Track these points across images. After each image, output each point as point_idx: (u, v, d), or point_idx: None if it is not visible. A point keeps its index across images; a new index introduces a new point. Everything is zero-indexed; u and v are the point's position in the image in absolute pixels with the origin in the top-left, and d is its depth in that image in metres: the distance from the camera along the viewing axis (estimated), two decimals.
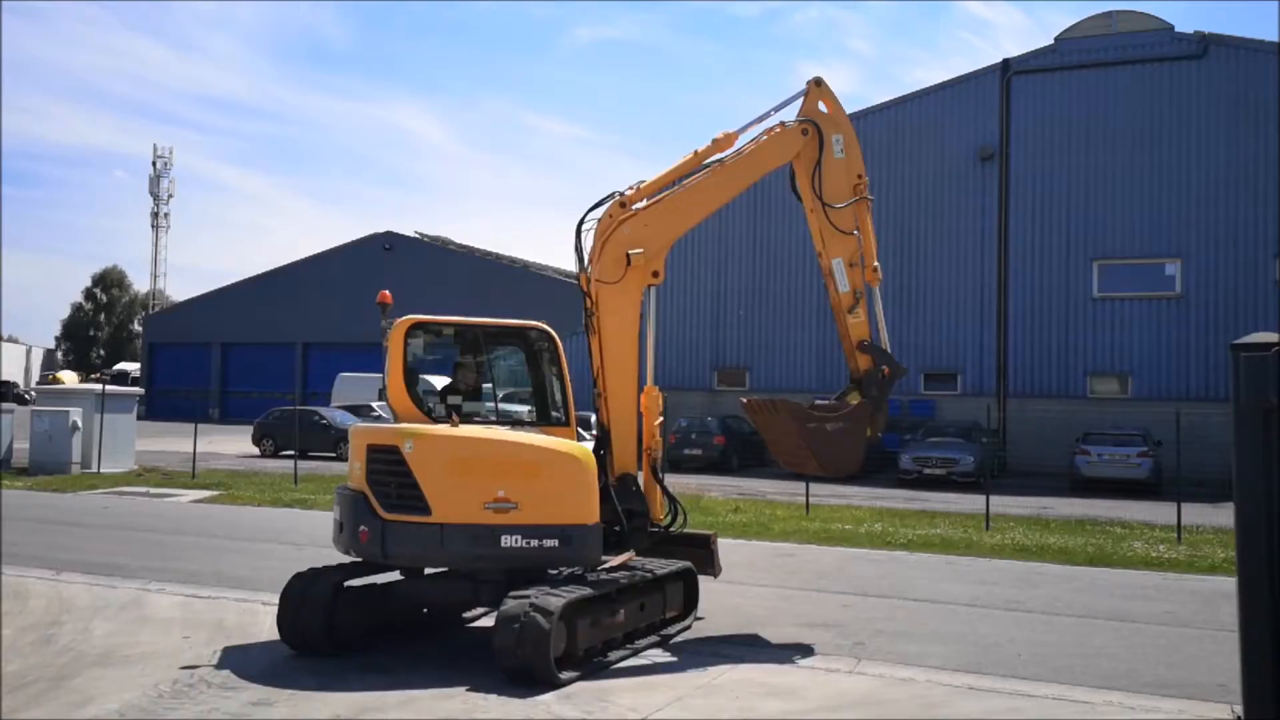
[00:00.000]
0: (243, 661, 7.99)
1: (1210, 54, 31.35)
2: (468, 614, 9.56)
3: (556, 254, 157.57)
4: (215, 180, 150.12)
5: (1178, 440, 17.25)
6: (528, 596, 7.46)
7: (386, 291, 9.42)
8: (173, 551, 13.49)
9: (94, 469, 23.91)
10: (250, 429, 33.95)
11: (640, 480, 9.18)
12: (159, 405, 56.09)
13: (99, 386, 26.46)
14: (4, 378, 74.77)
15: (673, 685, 7.64)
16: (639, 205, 9.18)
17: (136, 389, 36.19)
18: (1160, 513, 19.16)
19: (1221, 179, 30.88)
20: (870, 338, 9.84)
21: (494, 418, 8.88)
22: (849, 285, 9.74)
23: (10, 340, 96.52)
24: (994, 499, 18.41)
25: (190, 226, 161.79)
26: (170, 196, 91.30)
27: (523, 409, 9.31)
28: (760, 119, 9.81)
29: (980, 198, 33.69)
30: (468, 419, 8.64)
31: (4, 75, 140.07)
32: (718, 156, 9.59)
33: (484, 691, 7.25)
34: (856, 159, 9.86)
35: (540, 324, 9.22)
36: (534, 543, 7.92)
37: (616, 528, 8.75)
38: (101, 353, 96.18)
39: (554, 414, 9.02)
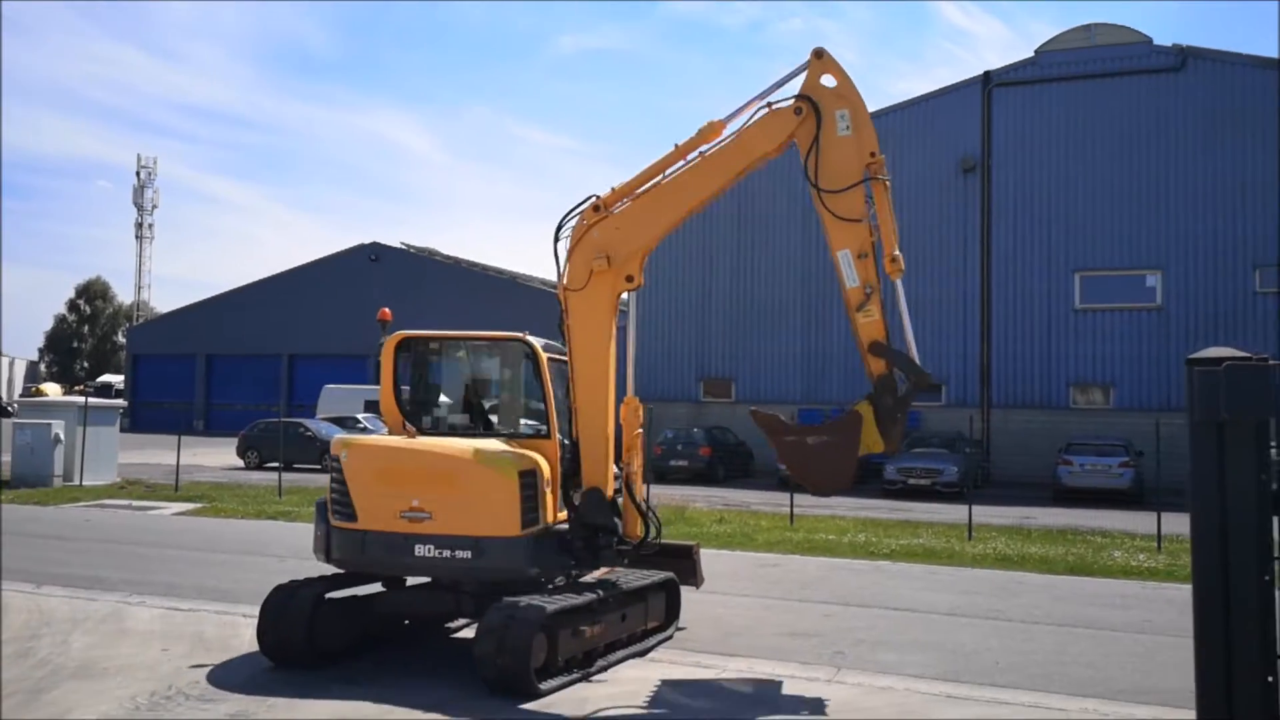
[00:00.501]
0: (222, 674, 7.98)
1: (1188, 66, 31.71)
2: (451, 624, 9.57)
3: (544, 265, 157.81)
4: (200, 190, 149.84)
5: (1158, 450, 17.39)
6: (508, 607, 7.48)
7: (386, 309, 9.51)
8: (154, 564, 13.45)
9: (76, 482, 23.80)
10: (235, 441, 33.84)
11: (609, 494, 8.66)
12: (143, 417, 55.86)
13: (82, 399, 26.37)
14: None
15: (653, 695, 7.68)
16: (617, 208, 8.65)
17: (120, 401, 36.05)
18: (1141, 522, 19.29)
19: (1200, 190, 31.20)
20: (886, 338, 8.60)
21: (480, 429, 8.99)
22: (858, 279, 8.52)
23: None
24: (977, 509, 18.51)
25: (175, 237, 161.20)
26: (154, 207, 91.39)
27: (532, 422, 9.17)
28: (755, 100, 8.60)
29: (963, 209, 33.94)
30: (452, 431, 8.75)
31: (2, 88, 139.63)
32: (703, 149, 8.58)
33: (465, 702, 7.27)
34: (868, 137, 8.52)
35: (521, 335, 9.19)
36: (446, 553, 7.96)
37: (580, 542, 8.49)
38: (85, 365, 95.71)
39: (537, 425, 8.96)
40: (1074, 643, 9.80)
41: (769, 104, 8.56)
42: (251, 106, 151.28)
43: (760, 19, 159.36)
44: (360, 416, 34.32)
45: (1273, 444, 3.68)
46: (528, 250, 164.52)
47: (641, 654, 8.81)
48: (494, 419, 9.44)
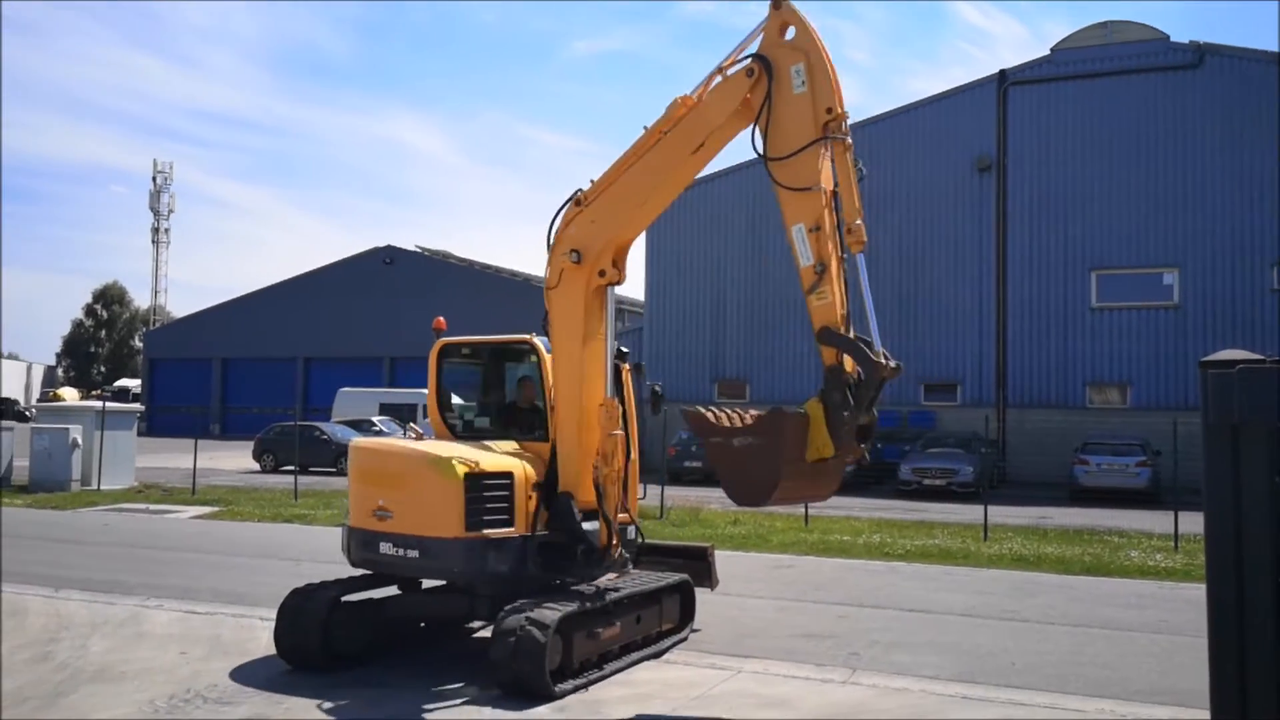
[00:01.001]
0: (239, 677, 8.03)
1: (1206, 63, 31.51)
2: (472, 624, 9.56)
3: None
4: (215, 195, 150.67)
5: (1175, 450, 17.30)
6: (523, 610, 7.49)
7: (441, 319, 9.55)
8: (171, 568, 13.54)
9: (94, 486, 23.95)
10: (251, 444, 34.01)
11: (581, 500, 8.34)
12: (159, 421, 56.20)
13: (99, 403, 26.54)
14: (4, 395, 74.88)
15: (667, 697, 7.69)
16: (596, 201, 8.31)
17: (137, 405, 36.27)
18: (1158, 522, 19.18)
19: (1218, 188, 31.01)
20: (840, 324, 7.29)
21: (500, 431, 9.16)
22: (811, 257, 7.39)
23: (10, 357, 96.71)
24: (993, 509, 18.44)
25: (191, 241, 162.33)
26: (170, 212, 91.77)
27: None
28: (720, 68, 7.92)
29: (978, 208, 33.83)
30: (477, 434, 9.10)
31: (2, 91, 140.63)
32: (666, 130, 8.04)
33: (479, 704, 7.30)
34: (825, 91, 7.46)
35: (526, 336, 9.21)
36: (400, 552, 8.12)
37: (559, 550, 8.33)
38: (102, 369, 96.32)
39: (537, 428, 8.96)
40: (1090, 643, 9.76)
41: (720, 68, 7.91)
42: (266, 111, 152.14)
43: None
44: (375, 419, 34.41)
45: None
46: (542, 252, 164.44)
47: (656, 656, 8.82)
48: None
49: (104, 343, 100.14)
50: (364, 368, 51.84)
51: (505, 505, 8.11)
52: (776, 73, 7.58)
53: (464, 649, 8.97)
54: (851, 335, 7.21)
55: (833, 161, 7.43)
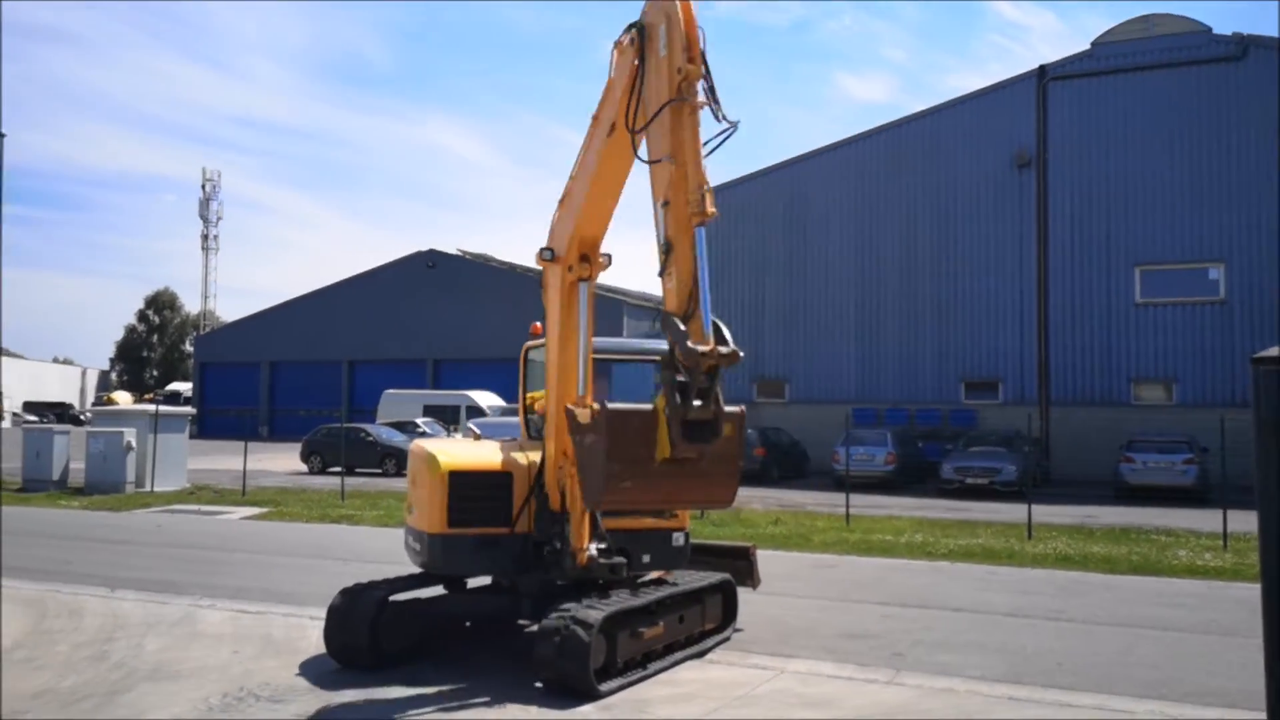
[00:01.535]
0: (290, 675, 8.18)
1: (1249, 55, 31.02)
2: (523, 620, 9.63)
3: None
4: (261, 201, 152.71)
5: (1223, 447, 17.06)
6: (568, 609, 7.57)
7: (539, 324, 9.71)
8: (223, 568, 13.79)
9: (147, 488, 24.41)
10: (298, 446, 34.45)
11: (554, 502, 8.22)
12: (210, 424, 57.09)
13: (152, 407, 27.02)
14: (60, 399, 76.37)
15: (710, 697, 7.73)
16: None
17: (188, 409, 36.89)
18: (1206, 520, 18.92)
19: (1263, 181, 30.49)
20: (681, 309, 6.68)
21: None
22: (663, 236, 6.89)
23: (65, 362, 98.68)
24: (1037, 508, 18.28)
25: (239, 247, 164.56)
26: (219, 219, 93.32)
27: None
28: (617, 42, 7.69)
29: (1018, 205, 33.53)
30: (537, 434, 9.16)
31: (53, 103, 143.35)
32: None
33: (524, 703, 7.39)
34: (677, 48, 6.87)
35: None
36: (415, 546, 8.65)
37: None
38: (154, 373, 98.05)
39: None
40: (1139, 644, 9.68)
41: (617, 42, 7.63)
42: (311, 119, 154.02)
43: (806, 18, 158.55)
44: (419, 421, 34.72)
45: None
46: None
47: (699, 655, 8.86)
48: None
49: (156, 347, 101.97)
50: (408, 370, 52.36)
51: (497, 504, 8.29)
52: (648, 38, 7.24)
53: (510, 648, 9.07)
54: (700, 317, 6.62)
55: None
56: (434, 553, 8.30)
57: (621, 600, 7.94)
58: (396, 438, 32.23)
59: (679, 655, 8.65)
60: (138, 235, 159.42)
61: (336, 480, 24.89)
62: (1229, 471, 17.26)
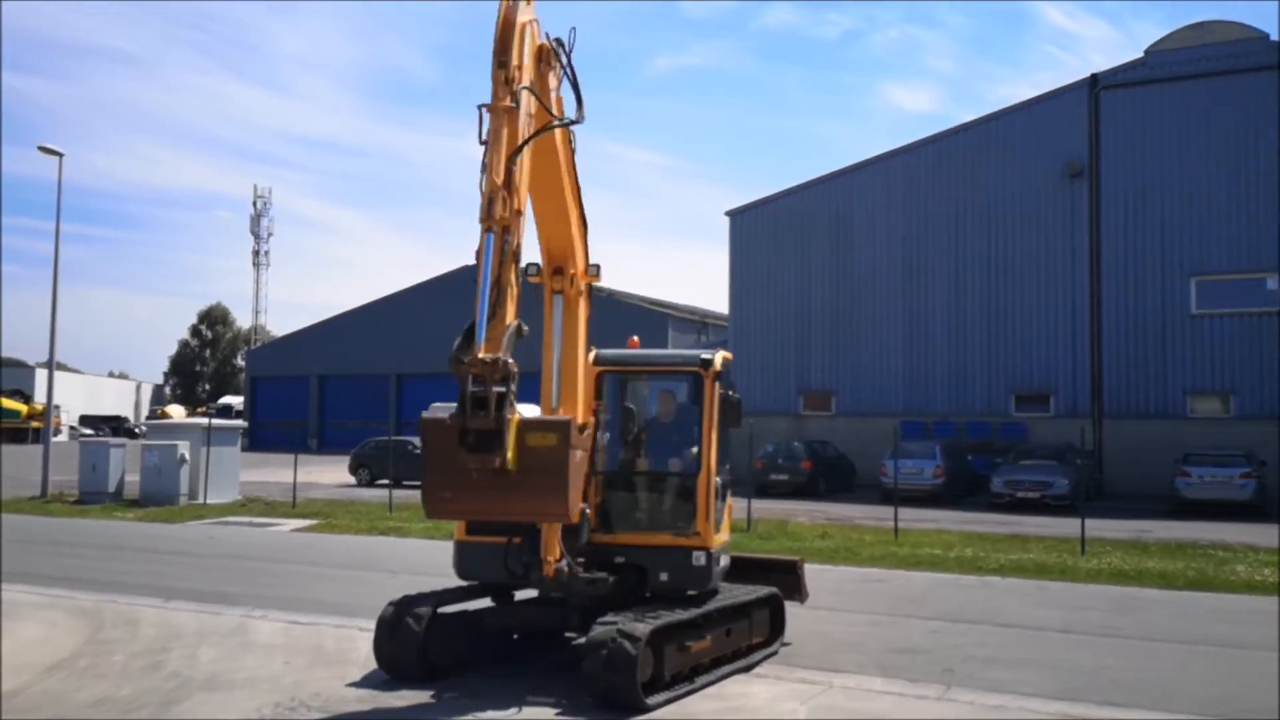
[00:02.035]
0: (341, 686, 8.27)
1: None
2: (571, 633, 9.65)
3: (638, 281, 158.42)
4: (311, 217, 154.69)
5: None
6: (615, 622, 7.58)
7: (635, 338, 9.80)
8: (274, 579, 13.97)
9: (200, 500, 24.77)
10: (347, 459, 34.81)
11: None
12: (261, 437, 57.83)
13: (206, 420, 27.45)
14: (115, 413, 77.84)
15: (758, 711, 7.70)
16: None
17: (240, 422, 37.42)
18: (1265, 535, 18.54)
19: None
20: (480, 314, 6.57)
21: None
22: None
23: (120, 376, 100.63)
24: (1090, 522, 17.99)
25: (289, 263, 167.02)
26: (270, 234, 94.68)
27: None
28: None
29: (1069, 215, 33.09)
30: None
31: (109, 123, 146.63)
32: None
33: (571, 715, 7.40)
34: (493, 50, 6.96)
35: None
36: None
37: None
38: (207, 387, 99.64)
39: None
40: (1196, 661, 9.50)
41: None
42: (358, 135, 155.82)
43: (855, 30, 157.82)
44: None
45: None
46: (622, 267, 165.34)
47: (747, 669, 8.83)
48: None
49: (208, 362, 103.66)
50: (454, 383, 52.66)
51: None
52: None
53: (558, 661, 9.10)
54: (497, 324, 6.48)
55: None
56: (458, 558, 8.67)
57: (669, 614, 7.93)
58: None
59: (726, 669, 8.63)
60: (192, 251, 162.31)
61: (384, 493, 25.13)
62: None
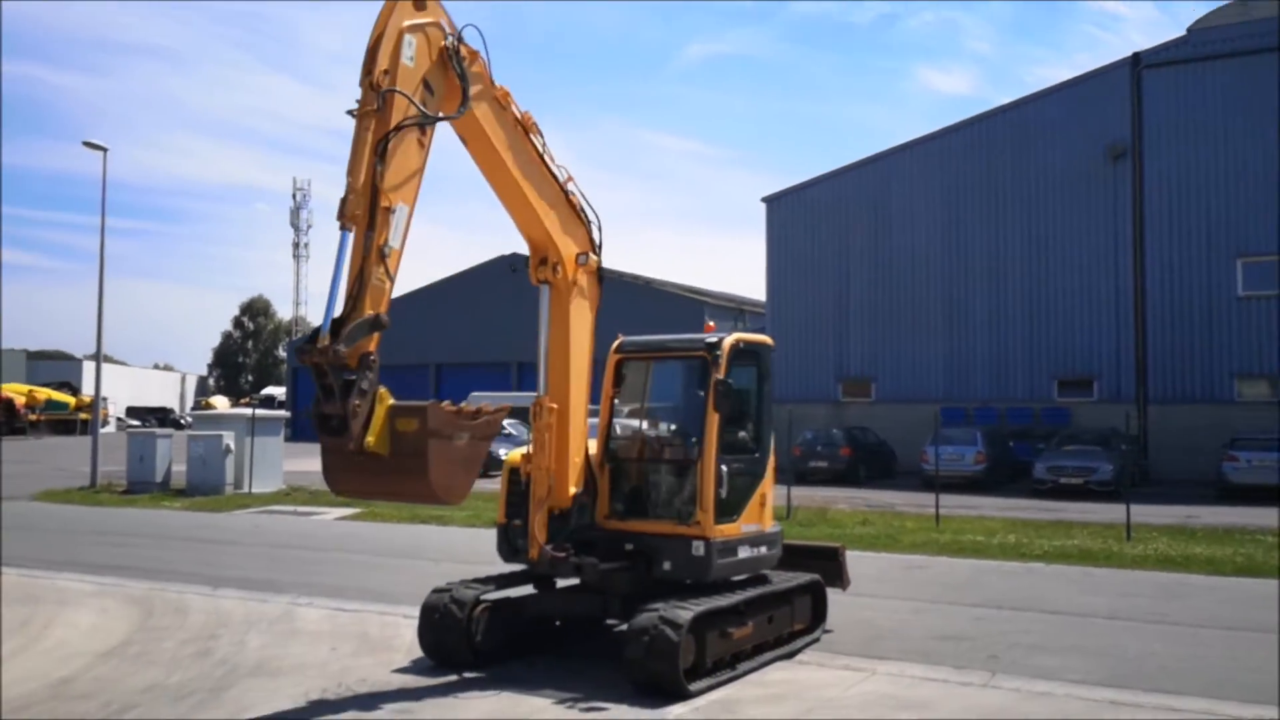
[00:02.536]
0: (386, 673, 8.36)
1: None
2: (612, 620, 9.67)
3: (676, 269, 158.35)
4: None
5: None
6: (657, 609, 7.59)
7: (711, 323, 9.91)
8: (319, 567, 14.14)
9: (245, 489, 25.10)
10: None
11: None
12: (303, 427, 58.42)
13: (249, 411, 27.77)
14: (160, 404, 79.02)
15: (801, 698, 7.69)
16: None
17: (283, 412, 37.82)
18: None
19: None
20: (344, 307, 6.89)
21: None
22: None
23: (165, 368, 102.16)
24: (1135, 508, 17.76)
25: (328, 255, 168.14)
26: (309, 227, 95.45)
27: None
28: None
29: (1112, 197, 32.58)
30: None
31: (147, 116, 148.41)
32: None
33: (614, 702, 7.43)
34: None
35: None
36: None
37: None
38: (249, 378, 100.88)
39: None
40: (1246, 647, 9.36)
41: None
42: None
43: (890, 13, 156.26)
44: (505, 423, 35.07)
45: None
46: (657, 255, 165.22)
47: (789, 656, 8.83)
48: None
49: (251, 353, 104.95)
50: (493, 373, 52.96)
51: (518, 496, 8.47)
52: None
53: (601, 647, 9.14)
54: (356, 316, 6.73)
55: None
56: (498, 541, 8.75)
57: (710, 600, 7.93)
58: None
59: (768, 656, 8.64)
60: (233, 244, 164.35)
61: None
62: None
